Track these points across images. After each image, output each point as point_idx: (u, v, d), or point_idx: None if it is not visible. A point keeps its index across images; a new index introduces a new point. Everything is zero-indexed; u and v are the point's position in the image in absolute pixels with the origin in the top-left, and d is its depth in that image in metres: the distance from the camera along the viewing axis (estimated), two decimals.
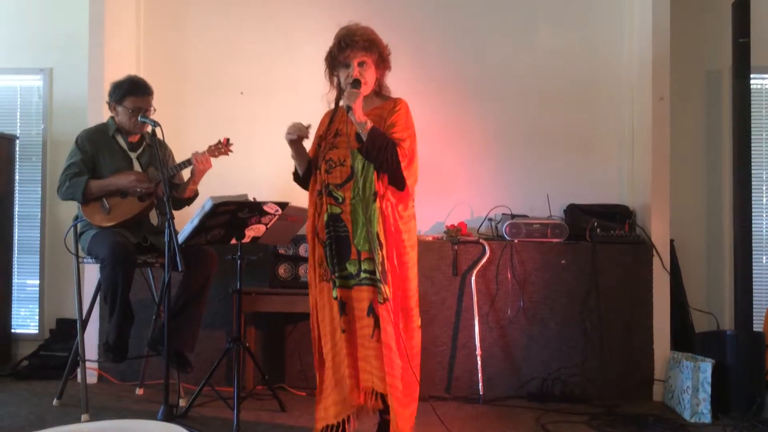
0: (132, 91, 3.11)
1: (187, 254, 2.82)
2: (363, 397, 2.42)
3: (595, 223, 3.62)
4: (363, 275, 2.38)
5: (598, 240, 3.57)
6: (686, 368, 3.23)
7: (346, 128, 2.39)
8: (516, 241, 3.59)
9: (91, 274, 3.53)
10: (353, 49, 2.41)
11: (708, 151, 4.04)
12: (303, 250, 3.48)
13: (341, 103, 2.40)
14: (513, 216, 3.72)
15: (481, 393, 3.44)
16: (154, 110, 3.16)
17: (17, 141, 4.15)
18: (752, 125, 3.41)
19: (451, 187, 3.97)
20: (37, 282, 4.21)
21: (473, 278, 3.55)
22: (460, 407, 3.36)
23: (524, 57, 4.00)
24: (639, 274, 3.56)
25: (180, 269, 2.66)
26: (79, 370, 3.19)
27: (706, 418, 3.13)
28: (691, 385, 3.17)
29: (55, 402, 3.21)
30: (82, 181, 3.04)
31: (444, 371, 3.57)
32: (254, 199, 2.88)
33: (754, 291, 3.36)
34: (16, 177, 4.14)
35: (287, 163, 2.60)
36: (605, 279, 3.55)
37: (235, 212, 2.81)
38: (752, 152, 3.44)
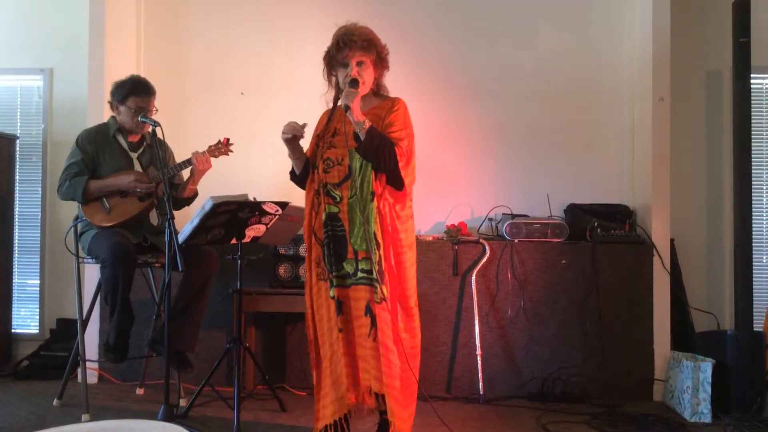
0: (135, 91, 3.12)
1: (187, 254, 2.82)
2: (361, 396, 2.41)
3: (596, 223, 3.62)
4: (360, 275, 2.38)
5: (599, 240, 3.58)
6: (686, 368, 3.23)
7: (344, 127, 2.40)
8: (516, 240, 3.59)
9: (92, 274, 3.53)
10: (351, 49, 2.42)
11: (708, 150, 4.05)
12: (303, 250, 3.48)
13: (339, 102, 2.40)
14: (513, 216, 3.73)
15: (481, 393, 3.44)
16: (156, 110, 3.17)
17: (17, 141, 4.15)
18: (752, 125, 3.41)
19: (452, 187, 3.97)
20: (38, 282, 4.21)
21: (473, 278, 3.55)
22: (461, 407, 3.36)
23: (525, 57, 4.00)
24: (639, 273, 3.56)
25: (180, 269, 2.66)
26: (79, 370, 3.20)
27: (707, 418, 3.13)
28: (691, 384, 3.17)
29: (55, 402, 3.21)
30: (81, 181, 3.04)
31: (444, 371, 3.57)
32: (254, 199, 2.88)
33: (754, 291, 3.36)
34: (17, 177, 4.14)
35: (287, 163, 2.60)
36: (605, 279, 3.55)
37: (236, 212, 2.81)
38: (752, 152, 3.45)
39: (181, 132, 3.71)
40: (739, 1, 3.40)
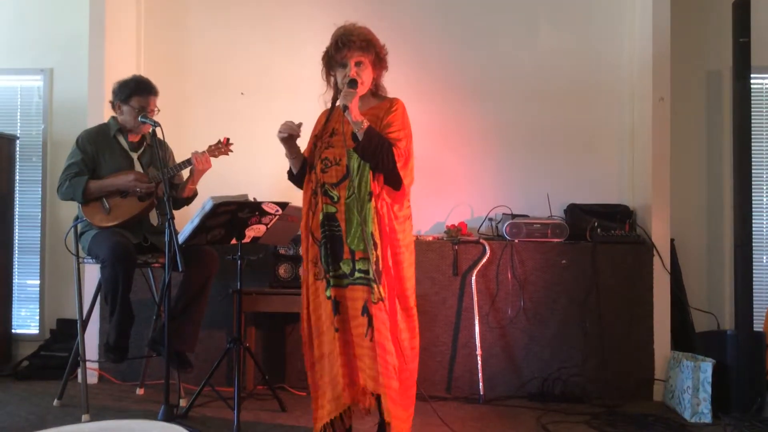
0: (139, 91, 3.12)
1: (187, 254, 2.82)
2: (357, 395, 2.41)
3: (596, 223, 3.62)
4: (357, 275, 2.38)
5: (599, 240, 3.58)
6: (686, 368, 3.23)
7: (342, 127, 2.40)
8: (516, 241, 3.59)
9: (92, 274, 3.53)
10: (350, 49, 2.42)
11: (708, 150, 4.05)
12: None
13: (338, 102, 2.40)
14: (513, 216, 3.73)
15: (481, 393, 3.44)
16: (158, 111, 3.17)
17: (17, 141, 4.15)
18: (752, 125, 3.41)
19: (452, 187, 3.97)
20: (38, 282, 4.21)
21: (474, 278, 3.55)
22: (461, 407, 3.36)
23: (525, 57, 4.00)
24: (639, 273, 3.56)
25: (180, 269, 2.66)
26: (79, 371, 3.20)
27: (707, 418, 3.13)
28: (691, 384, 3.17)
29: (55, 402, 3.21)
30: (81, 181, 3.04)
31: (444, 371, 3.57)
32: (254, 199, 2.88)
33: (754, 291, 3.37)
34: (17, 177, 4.14)
35: (287, 163, 2.60)
36: (605, 279, 3.55)
37: (236, 212, 2.81)
38: (752, 152, 3.45)
39: (181, 132, 3.71)
40: (739, 1, 3.40)
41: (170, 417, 2.77)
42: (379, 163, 2.35)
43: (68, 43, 4.15)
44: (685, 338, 3.68)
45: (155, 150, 3.04)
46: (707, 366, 3.16)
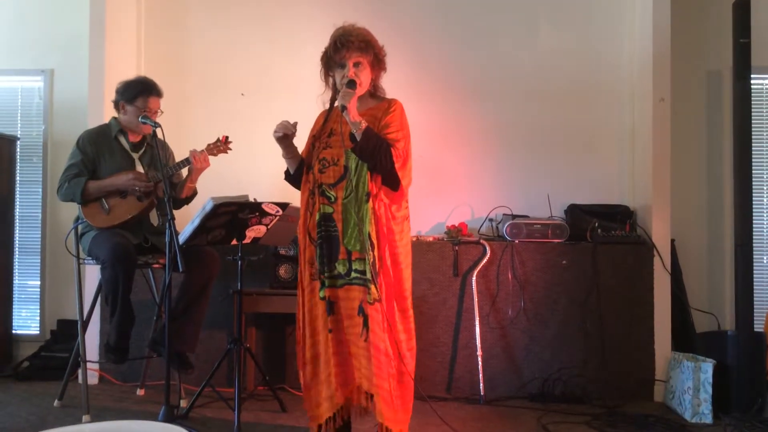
0: (144, 91, 3.12)
1: (189, 255, 2.82)
2: (350, 394, 2.41)
3: (596, 224, 3.62)
4: (354, 275, 2.38)
5: (599, 240, 3.58)
6: (687, 368, 3.23)
7: (340, 128, 2.40)
8: (517, 241, 3.59)
9: (92, 274, 3.53)
10: (349, 50, 2.42)
11: (708, 151, 4.04)
12: None
13: (336, 103, 2.41)
14: (514, 216, 3.73)
15: (482, 393, 3.44)
16: (162, 112, 3.17)
17: (18, 142, 4.15)
18: (753, 125, 3.41)
19: (452, 188, 3.97)
20: (38, 283, 4.21)
21: (474, 279, 3.55)
22: (461, 407, 3.36)
23: (525, 57, 4.00)
24: (640, 274, 3.56)
25: (181, 270, 2.66)
26: (80, 371, 3.20)
27: (707, 419, 3.13)
28: (692, 385, 3.17)
29: (56, 403, 3.21)
30: (80, 182, 3.04)
31: (445, 371, 3.57)
32: (255, 199, 2.88)
33: (754, 291, 3.37)
34: (17, 178, 4.14)
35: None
36: (606, 279, 3.55)
37: (236, 213, 2.81)
38: (753, 152, 3.45)
39: (181, 132, 3.71)
40: (739, 1, 3.40)
41: (171, 418, 2.77)
42: (377, 163, 2.35)
43: (68, 43, 4.15)
44: (685, 339, 3.68)
45: (156, 150, 3.04)
46: (708, 366, 3.16)
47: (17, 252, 4.15)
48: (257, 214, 2.86)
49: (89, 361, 3.23)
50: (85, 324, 3.12)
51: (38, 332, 4.17)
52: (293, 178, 2.59)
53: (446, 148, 3.98)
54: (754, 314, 3.32)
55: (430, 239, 3.68)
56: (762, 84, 4.05)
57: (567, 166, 3.95)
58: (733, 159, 3.52)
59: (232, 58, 4.07)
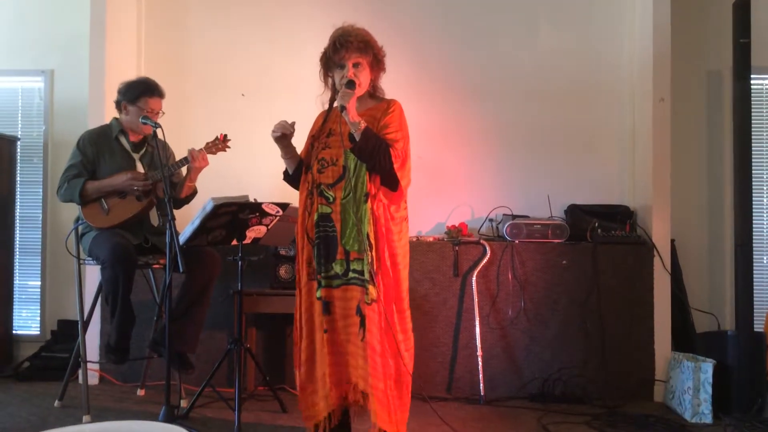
0: (146, 92, 3.13)
1: (190, 256, 2.82)
2: (345, 394, 2.41)
3: (596, 224, 3.62)
4: (352, 275, 2.38)
5: (599, 240, 3.58)
6: (687, 369, 3.23)
7: (339, 128, 2.40)
8: (517, 241, 3.59)
9: (93, 275, 3.53)
10: (348, 50, 2.42)
11: (709, 151, 4.04)
12: None
13: (335, 103, 2.41)
14: (514, 216, 3.73)
15: (482, 393, 3.44)
16: (163, 113, 3.17)
17: (18, 142, 4.15)
18: (753, 125, 3.41)
19: (452, 188, 3.97)
20: (39, 283, 4.21)
21: (474, 279, 3.55)
22: (461, 408, 3.36)
23: (525, 57, 4.00)
24: (640, 274, 3.56)
25: (181, 270, 2.66)
26: (80, 372, 3.20)
27: (707, 419, 3.13)
28: (692, 385, 3.17)
29: (56, 403, 3.21)
30: (79, 183, 3.04)
31: (445, 372, 3.57)
32: (255, 200, 2.88)
33: (754, 291, 3.37)
34: (17, 178, 4.14)
35: None
36: (606, 279, 3.55)
37: (236, 213, 2.81)
38: (753, 152, 3.45)
39: (181, 132, 3.71)
40: (739, 1, 3.40)
41: (171, 418, 2.77)
42: (376, 164, 2.35)
43: (69, 43, 4.15)
44: (685, 339, 3.68)
45: (156, 151, 3.05)
46: (708, 366, 3.17)
47: (18, 252, 4.15)
48: (257, 214, 2.86)
49: (90, 362, 3.23)
50: (86, 324, 3.13)
51: (39, 332, 4.17)
52: (292, 178, 2.60)
53: (446, 148, 3.98)
54: (754, 314, 3.32)
55: (431, 239, 3.68)
56: (762, 84, 4.06)
57: (567, 166, 3.95)
58: (733, 159, 3.52)
59: (232, 58, 4.07)
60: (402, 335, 2.42)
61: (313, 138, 2.55)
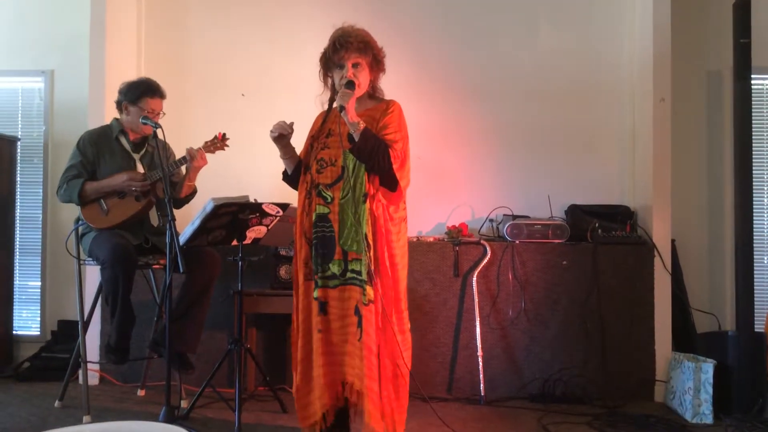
0: (148, 92, 3.13)
1: (190, 256, 2.82)
2: (339, 394, 2.41)
3: (597, 224, 3.62)
4: (350, 275, 2.38)
5: (600, 241, 3.57)
6: (688, 369, 3.23)
7: (338, 128, 2.40)
8: (517, 241, 3.59)
9: (93, 275, 3.53)
10: (348, 51, 2.42)
11: (709, 151, 4.04)
12: None
13: (334, 103, 2.41)
14: (514, 217, 3.73)
15: (482, 394, 3.44)
16: (164, 114, 3.17)
17: (18, 143, 4.15)
18: (753, 126, 3.40)
19: (452, 188, 3.97)
20: (39, 284, 4.21)
21: (474, 279, 3.55)
22: (462, 408, 3.36)
23: (525, 57, 4.00)
24: (640, 274, 3.56)
25: (181, 271, 2.66)
26: (80, 372, 3.20)
27: (708, 419, 3.13)
28: (692, 385, 3.17)
29: (56, 403, 3.21)
30: (78, 183, 3.05)
31: (445, 372, 3.57)
32: (255, 200, 2.88)
33: (755, 291, 3.36)
34: (18, 179, 4.14)
35: None
36: (606, 280, 3.55)
37: (237, 213, 2.81)
38: (753, 153, 3.44)
39: (181, 132, 3.70)
40: (739, 1, 3.40)
41: (171, 418, 2.77)
42: (375, 164, 2.35)
43: (69, 44, 4.15)
44: (686, 339, 3.68)
45: (157, 151, 3.05)
46: (708, 367, 3.16)
47: (18, 253, 4.15)
48: (258, 214, 2.86)
49: (90, 362, 3.23)
50: (86, 325, 3.13)
51: (39, 333, 4.17)
52: (291, 178, 2.60)
53: (446, 148, 3.97)
54: (755, 314, 3.32)
55: (431, 240, 3.68)
56: (762, 84, 4.05)
57: (567, 167, 3.95)
58: (733, 159, 3.52)
59: (232, 58, 4.07)
60: (400, 336, 2.41)
61: (313, 138, 2.55)
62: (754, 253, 3.36)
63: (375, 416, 2.31)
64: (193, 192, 3.26)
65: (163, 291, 3.08)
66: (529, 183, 3.94)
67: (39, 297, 4.20)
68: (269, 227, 2.96)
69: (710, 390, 3.14)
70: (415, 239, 3.69)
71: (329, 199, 2.41)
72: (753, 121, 3.39)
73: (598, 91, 3.97)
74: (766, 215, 4.06)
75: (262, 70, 4.05)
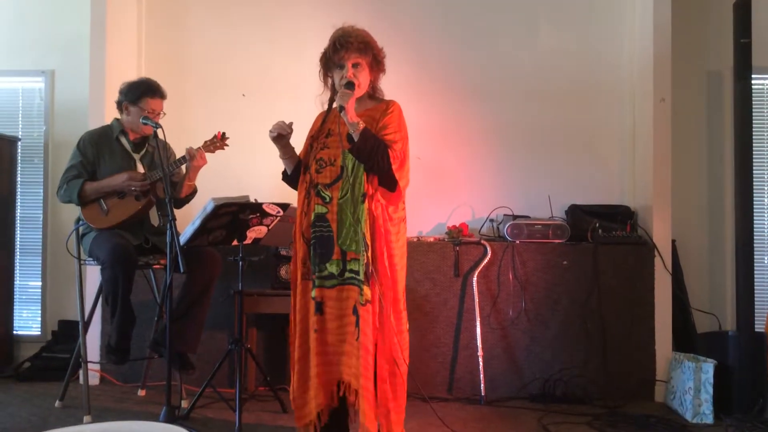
0: (148, 93, 3.13)
1: (190, 256, 2.82)
2: (334, 393, 2.41)
3: (597, 224, 3.62)
4: (348, 275, 2.38)
5: (600, 241, 3.57)
6: (688, 369, 3.23)
7: (338, 128, 2.40)
8: (517, 242, 3.59)
9: (93, 275, 3.53)
10: (348, 51, 2.42)
11: (709, 151, 4.04)
12: None
13: (334, 104, 2.41)
14: (514, 217, 3.73)
15: (482, 394, 3.44)
16: (164, 114, 3.18)
17: (19, 143, 4.16)
18: (753, 126, 3.40)
19: (453, 188, 3.97)
20: (39, 284, 4.21)
21: (475, 279, 3.55)
22: (462, 408, 3.36)
23: (525, 57, 4.00)
24: (641, 274, 3.56)
25: (182, 271, 2.66)
26: (81, 372, 3.20)
27: (708, 419, 3.13)
28: (693, 385, 3.17)
29: (57, 404, 3.21)
30: (77, 184, 3.05)
31: (446, 372, 3.57)
32: (255, 200, 2.88)
33: (755, 291, 3.36)
34: (18, 179, 4.14)
35: None
36: (607, 280, 3.55)
37: (237, 213, 2.81)
38: (753, 153, 3.44)
39: (181, 132, 3.70)
40: (739, 1, 3.40)
41: (172, 418, 2.77)
42: (374, 164, 2.35)
43: (69, 44, 4.15)
44: (686, 339, 3.68)
45: (157, 151, 3.05)
46: (709, 367, 3.16)
47: (18, 253, 4.15)
48: (258, 214, 2.86)
49: (90, 362, 3.23)
50: (86, 325, 3.13)
51: (39, 333, 4.17)
52: (290, 178, 2.60)
53: (446, 148, 3.98)
54: (755, 315, 3.32)
55: (431, 240, 3.68)
56: (763, 84, 4.05)
57: (567, 167, 3.95)
58: (733, 159, 3.52)
59: (232, 58, 4.07)
60: (397, 336, 2.41)
61: (312, 138, 2.55)
62: (755, 253, 3.35)
63: (369, 416, 2.32)
64: (194, 192, 3.27)
65: (163, 291, 3.08)
66: (530, 183, 3.94)
67: (39, 297, 4.20)
68: (270, 227, 2.96)
69: (710, 390, 3.14)
70: (415, 239, 3.69)
71: (328, 199, 2.42)
72: (753, 121, 3.39)
73: (599, 91, 3.97)
74: (766, 215, 4.06)
75: (262, 70, 4.05)
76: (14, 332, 4.08)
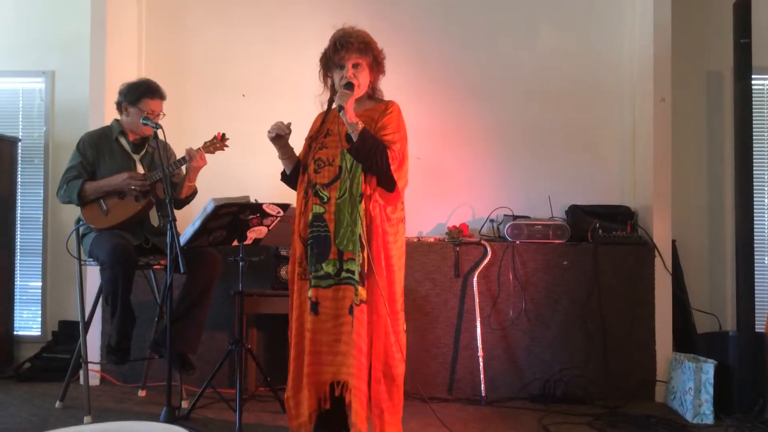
0: (148, 93, 3.13)
1: (191, 256, 2.82)
2: (325, 395, 2.42)
3: (597, 224, 3.62)
4: (345, 275, 2.39)
5: (600, 241, 3.57)
6: (688, 369, 3.23)
7: (337, 128, 2.41)
8: (518, 242, 3.59)
9: (93, 276, 3.53)
10: (348, 51, 2.43)
11: (709, 151, 4.04)
12: None
13: (334, 104, 2.42)
14: (515, 217, 3.73)
15: (483, 394, 3.44)
16: (164, 115, 3.18)
17: (19, 143, 4.16)
18: (753, 126, 3.40)
19: (453, 189, 3.97)
20: (40, 284, 4.21)
21: (475, 279, 3.55)
22: (462, 408, 3.36)
23: (525, 57, 4.00)
24: (641, 274, 3.56)
25: (182, 271, 2.67)
26: (81, 372, 3.20)
27: (709, 419, 3.13)
28: (693, 386, 3.17)
29: (57, 404, 3.21)
30: (77, 184, 3.05)
31: (446, 372, 3.57)
32: (256, 200, 2.88)
33: (756, 292, 3.36)
34: (18, 179, 4.15)
35: None
36: (607, 280, 3.55)
37: (237, 214, 2.81)
38: (753, 153, 3.44)
39: (181, 132, 3.71)
40: (739, 1, 3.40)
41: (172, 418, 2.77)
42: (372, 164, 2.35)
43: (69, 44, 4.15)
44: (686, 339, 3.68)
45: (157, 152, 3.05)
46: (709, 367, 3.16)
47: (18, 253, 4.16)
48: (258, 215, 2.86)
49: (90, 362, 3.23)
50: (87, 325, 3.13)
51: (39, 333, 4.17)
52: (290, 178, 2.60)
53: (446, 148, 3.97)
54: (756, 315, 3.32)
55: (431, 240, 3.68)
56: (763, 84, 4.05)
57: (567, 167, 3.95)
58: (734, 159, 3.52)
59: (232, 58, 4.07)
60: (394, 336, 2.42)
61: (311, 139, 2.56)
62: (755, 253, 3.35)
63: (361, 416, 2.32)
64: (194, 192, 3.27)
65: (163, 291, 3.08)
66: (530, 183, 3.94)
67: (40, 297, 4.20)
68: (270, 227, 2.96)
69: (711, 390, 3.14)
70: (415, 240, 3.69)
71: (326, 199, 2.42)
72: (753, 122, 3.39)
73: (599, 91, 3.97)
74: (766, 215, 4.06)
75: (262, 70, 4.05)
76: (14, 333, 4.08)
